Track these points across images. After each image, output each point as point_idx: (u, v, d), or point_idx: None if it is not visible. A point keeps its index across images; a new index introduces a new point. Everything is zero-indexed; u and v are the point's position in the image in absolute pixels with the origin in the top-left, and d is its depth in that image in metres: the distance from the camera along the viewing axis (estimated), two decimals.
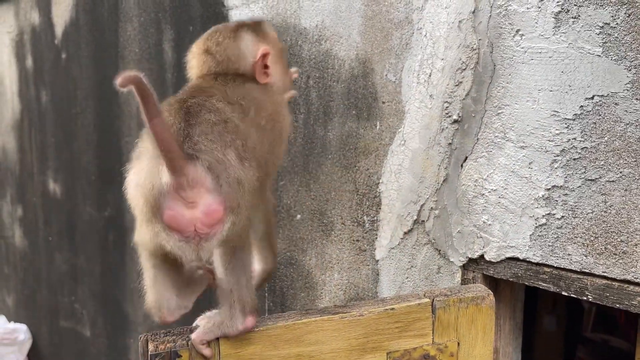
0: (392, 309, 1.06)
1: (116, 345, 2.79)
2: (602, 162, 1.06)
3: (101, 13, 2.62)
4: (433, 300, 1.04)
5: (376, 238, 1.51)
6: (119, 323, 2.75)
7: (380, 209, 1.48)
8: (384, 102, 1.46)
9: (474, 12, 1.23)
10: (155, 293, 0.91)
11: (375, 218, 1.50)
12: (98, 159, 2.77)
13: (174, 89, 2.22)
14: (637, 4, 1.00)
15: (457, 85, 1.27)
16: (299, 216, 1.74)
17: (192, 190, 0.73)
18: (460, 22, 1.26)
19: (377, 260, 1.52)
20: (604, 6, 1.03)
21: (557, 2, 1.09)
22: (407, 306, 1.05)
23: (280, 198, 1.81)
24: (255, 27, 1.03)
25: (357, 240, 1.56)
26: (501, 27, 1.18)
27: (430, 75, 1.33)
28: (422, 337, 1.06)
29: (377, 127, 1.48)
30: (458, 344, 1.06)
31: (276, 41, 1.06)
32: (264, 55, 0.99)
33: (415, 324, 1.05)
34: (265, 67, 1.00)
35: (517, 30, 1.16)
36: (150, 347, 0.89)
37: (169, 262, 0.86)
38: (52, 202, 3.27)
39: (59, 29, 3.00)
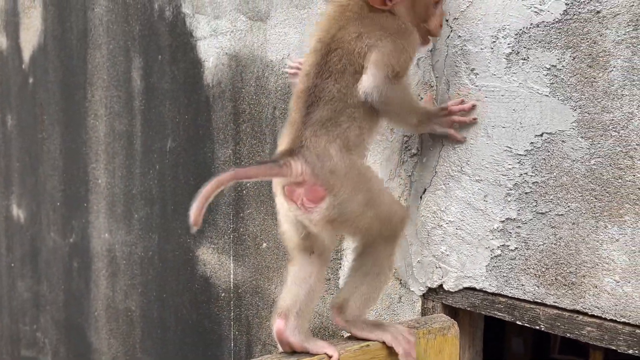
0: (367, 345, 1.06)
1: None
2: (551, 197, 1.11)
3: (70, 40, 2.62)
4: None
5: (340, 267, 1.53)
6: (82, 352, 2.70)
7: (343, 238, 1.51)
8: None
9: (431, 50, 1.29)
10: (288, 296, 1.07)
11: (339, 247, 1.53)
12: (64, 184, 2.74)
13: (142, 116, 2.22)
14: (581, 48, 1.06)
15: None
16: (265, 244, 1.75)
17: (299, 176, 0.98)
18: (419, 60, 1.31)
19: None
20: (550, 49, 1.09)
21: (508, 44, 1.15)
22: (382, 341, 1.06)
23: (246, 226, 1.82)
24: None
25: None
26: (457, 66, 1.24)
27: None
28: None
29: None
30: None
31: None
32: None
33: (388, 359, 1.06)
34: None
35: (472, 69, 1.21)
36: None
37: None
38: (15, 227, 3.21)
39: (26, 54, 2.98)
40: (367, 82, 1.03)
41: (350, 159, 1.02)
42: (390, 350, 1.06)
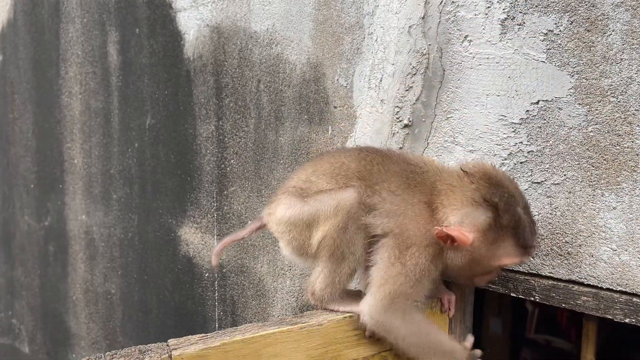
0: (350, 316, 1.05)
1: None
2: (547, 166, 1.09)
3: (41, 14, 2.51)
4: None
5: None
6: (59, 338, 2.63)
7: None
8: (335, 107, 1.45)
9: (423, 17, 1.25)
10: None
11: None
12: (37, 165, 2.65)
13: (119, 92, 2.14)
14: (579, 12, 1.03)
15: (407, 90, 1.28)
16: (250, 223, 1.71)
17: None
18: (410, 27, 1.27)
19: None
20: (547, 14, 1.07)
21: (503, 9, 1.12)
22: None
23: (230, 204, 1.77)
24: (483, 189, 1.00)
25: None
26: (450, 33, 1.20)
27: (381, 80, 1.33)
28: (379, 344, 1.06)
29: (329, 132, 1.47)
30: None
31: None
32: (448, 236, 1.00)
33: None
34: (450, 240, 1.01)
35: (466, 36, 1.18)
36: None
37: None
38: None
39: None
40: None
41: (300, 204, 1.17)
42: None
